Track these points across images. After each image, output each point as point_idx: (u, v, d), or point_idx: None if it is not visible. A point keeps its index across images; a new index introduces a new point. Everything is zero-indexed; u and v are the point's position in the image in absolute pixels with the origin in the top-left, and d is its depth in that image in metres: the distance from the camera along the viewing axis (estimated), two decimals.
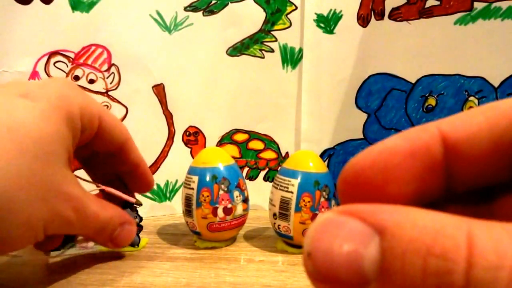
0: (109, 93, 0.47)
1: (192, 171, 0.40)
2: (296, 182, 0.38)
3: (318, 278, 0.10)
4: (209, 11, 0.50)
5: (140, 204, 0.39)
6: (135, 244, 0.40)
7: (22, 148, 0.24)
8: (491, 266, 0.08)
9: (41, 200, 0.26)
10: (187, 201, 0.39)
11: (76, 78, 0.45)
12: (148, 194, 0.50)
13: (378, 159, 0.12)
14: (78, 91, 0.31)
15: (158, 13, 0.48)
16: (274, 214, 0.39)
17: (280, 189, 0.39)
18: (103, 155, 0.35)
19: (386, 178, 0.12)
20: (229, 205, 0.39)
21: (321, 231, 0.10)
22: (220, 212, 0.39)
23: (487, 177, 0.12)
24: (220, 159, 0.40)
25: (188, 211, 0.40)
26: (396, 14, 0.47)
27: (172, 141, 0.51)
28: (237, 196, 0.39)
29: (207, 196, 0.38)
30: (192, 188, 0.39)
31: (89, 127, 0.31)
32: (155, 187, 0.51)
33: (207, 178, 0.39)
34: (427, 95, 0.48)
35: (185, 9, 0.49)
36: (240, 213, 0.40)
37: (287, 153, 0.54)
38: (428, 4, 0.46)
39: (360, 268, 0.09)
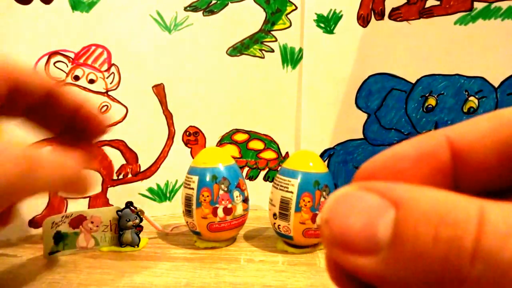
0: (109, 93, 0.47)
1: (192, 171, 0.40)
2: (296, 182, 0.38)
3: (333, 243, 0.11)
4: (209, 11, 0.50)
5: (143, 213, 0.40)
6: (135, 244, 0.40)
7: None
8: (500, 235, 0.08)
9: None
10: (187, 201, 0.39)
11: (76, 78, 0.45)
12: (148, 194, 0.50)
13: (388, 163, 0.13)
14: None
15: (158, 13, 0.48)
16: (274, 214, 0.39)
17: (280, 189, 0.39)
18: (37, 109, 0.30)
19: (396, 181, 0.13)
20: (229, 205, 0.39)
21: (340, 201, 0.11)
22: (220, 212, 0.39)
23: (493, 181, 0.12)
24: (220, 159, 0.40)
25: (188, 211, 0.40)
26: (396, 14, 0.47)
27: (172, 141, 0.51)
28: (237, 196, 0.39)
29: (207, 196, 0.38)
30: (192, 188, 0.39)
31: None
32: (155, 187, 0.51)
33: (207, 178, 0.39)
34: (427, 95, 0.48)
35: (185, 9, 0.49)
36: (240, 213, 0.40)
37: (287, 153, 0.54)
38: (428, 4, 0.46)
39: (374, 235, 0.10)
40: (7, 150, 0.20)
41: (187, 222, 0.41)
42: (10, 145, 0.20)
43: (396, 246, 0.09)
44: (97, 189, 0.47)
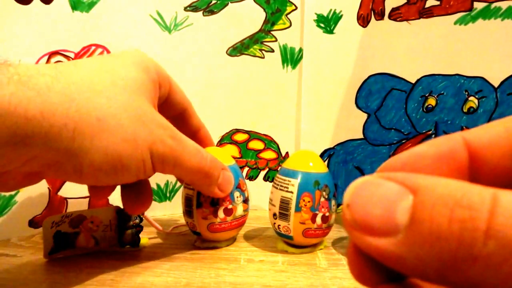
0: None
1: None
2: (296, 182, 0.38)
3: (354, 226, 0.11)
4: (209, 11, 0.50)
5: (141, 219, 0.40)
6: (135, 244, 0.40)
7: (113, 81, 0.28)
8: (510, 212, 0.09)
9: (140, 121, 0.28)
10: (187, 201, 0.39)
11: None
12: None
13: (408, 162, 0.14)
14: (149, 57, 0.35)
15: (158, 13, 0.48)
16: (274, 214, 0.39)
17: (280, 189, 0.39)
18: (169, 119, 0.36)
19: None
20: (230, 206, 0.39)
21: (361, 188, 0.12)
22: (220, 213, 0.39)
23: (508, 181, 0.13)
24: (220, 159, 0.40)
25: (188, 212, 0.40)
26: (396, 14, 0.47)
27: None
28: (237, 197, 0.39)
29: (208, 197, 0.38)
30: (192, 189, 0.39)
31: (163, 84, 0.35)
32: (155, 187, 0.51)
33: None
34: (427, 95, 0.48)
35: (185, 9, 0.49)
36: (241, 214, 0.40)
37: (287, 153, 0.54)
38: (428, 4, 0.46)
39: (393, 218, 0.11)
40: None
41: (187, 222, 0.41)
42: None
43: (414, 227, 0.10)
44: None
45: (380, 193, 0.11)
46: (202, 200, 0.38)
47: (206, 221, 0.39)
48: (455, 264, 0.09)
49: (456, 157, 0.13)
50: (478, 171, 0.13)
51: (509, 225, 0.09)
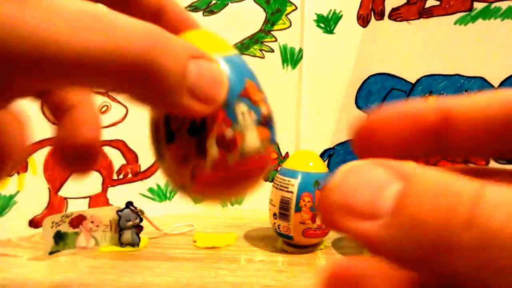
0: (109, 93, 0.47)
1: None
2: (296, 182, 0.38)
3: (339, 208, 0.11)
4: (209, 11, 0.50)
5: (143, 213, 0.40)
6: (135, 244, 0.40)
7: None
8: (493, 204, 0.09)
9: None
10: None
11: None
12: (148, 194, 0.50)
13: (379, 116, 0.14)
14: None
15: None
16: (274, 214, 0.39)
17: (280, 189, 0.39)
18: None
19: (383, 129, 0.14)
20: (229, 132, 0.19)
21: (352, 170, 0.12)
22: (212, 149, 0.19)
23: (475, 153, 0.14)
24: (208, 47, 0.19)
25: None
26: (396, 14, 0.47)
27: None
28: (242, 114, 0.20)
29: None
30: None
31: None
32: (155, 187, 0.51)
33: None
34: (427, 95, 0.48)
35: (185, 9, 0.49)
36: (257, 147, 0.20)
37: (287, 153, 0.54)
38: (428, 4, 0.46)
39: (378, 202, 0.11)
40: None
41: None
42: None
43: (399, 213, 0.10)
44: (97, 189, 0.47)
45: (370, 177, 0.11)
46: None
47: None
48: (435, 251, 0.10)
49: (425, 117, 0.13)
50: (447, 138, 0.13)
51: (490, 216, 0.09)
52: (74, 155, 0.19)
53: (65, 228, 0.38)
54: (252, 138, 0.19)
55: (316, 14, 0.49)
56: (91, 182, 0.47)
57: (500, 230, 0.09)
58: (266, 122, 0.20)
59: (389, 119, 0.14)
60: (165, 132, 0.20)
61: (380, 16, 0.48)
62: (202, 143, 0.19)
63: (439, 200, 0.10)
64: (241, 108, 0.19)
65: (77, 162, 0.19)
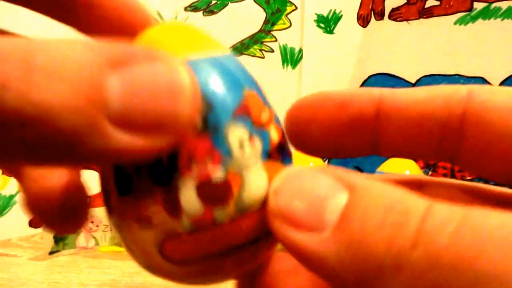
0: None
1: None
2: None
3: (278, 216, 0.10)
4: (209, 11, 0.50)
5: None
6: None
7: None
8: (441, 222, 0.09)
9: None
10: None
11: None
12: None
13: (315, 100, 0.13)
14: None
15: (158, 13, 0.48)
16: None
17: None
18: None
19: (312, 117, 0.13)
20: (217, 175, 0.11)
21: (293, 175, 0.11)
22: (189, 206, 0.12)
23: (410, 148, 0.13)
24: (181, 46, 0.12)
25: None
26: (396, 14, 0.47)
27: None
28: (241, 141, 0.12)
29: None
30: None
31: None
32: None
33: None
34: None
35: (185, 9, 0.49)
36: (261, 195, 0.12)
37: None
38: (428, 4, 0.46)
39: (321, 213, 0.10)
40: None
41: None
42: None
43: (342, 227, 0.09)
44: (97, 189, 0.47)
45: (314, 185, 0.10)
46: None
47: None
48: (378, 272, 0.09)
49: (360, 109, 0.12)
50: (382, 130, 0.12)
51: (437, 233, 0.08)
52: (48, 211, 0.14)
53: None
54: (256, 181, 0.11)
55: (316, 14, 0.49)
56: (91, 182, 0.47)
57: (445, 250, 0.08)
58: (278, 154, 0.12)
59: (323, 108, 0.13)
60: (116, 179, 0.12)
61: (380, 16, 0.48)
62: (174, 194, 0.11)
63: (386, 216, 0.09)
64: (238, 134, 0.11)
65: (55, 220, 0.14)
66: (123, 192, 0.12)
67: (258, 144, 0.12)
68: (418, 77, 0.48)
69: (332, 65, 0.50)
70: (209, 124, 0.11)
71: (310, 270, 0.10)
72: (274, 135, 0.12)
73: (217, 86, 0.11)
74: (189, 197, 0.11)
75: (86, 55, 0.08)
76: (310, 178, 0.10)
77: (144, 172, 0.11)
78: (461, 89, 0.12)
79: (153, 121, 0.09)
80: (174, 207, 0.11)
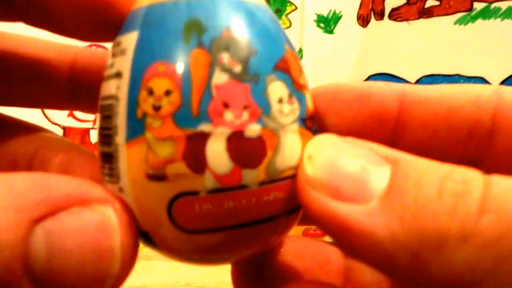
0: None
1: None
2: None
3: (315, 185, 0.09)
4: None
5: None
6: None
7: None
8: (506, 188, 0.08)
9: None
10: None
11: None
12: None
13: (331, 91, 0.12)
14: None
15: None
16: None
17: None
18: None
19: (330, 107, 0.12)
20: (254, 129, 0.10)
21: (329, 141, 0.10)
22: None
23: (433, 145, 0.12)
24: None
25: None
26: (396, 14, 0.47)
27: None
28: (280, 100, 0.10)
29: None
30: None
31: None
32: None
33: None
34: None
35: None
36: (294, 164, 0.11)
37: None
38: (428, 4, 0.46)
39: (366, 182, 0.09)
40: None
41: None
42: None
43: (392, 197, 0.08)
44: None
45: (352, 155, 0.09)
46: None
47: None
48: (439, 243, 0.08)
49: (383, 102, 0.12)
50: (404, 124, 0.12)
51: (505, 199, 0.08)
52: None
53: None
54: (292, 146, 0.10)
55: (316, 14, 0.49)
56: None
57: None
58: (312, 123, 0.11)
59: (341, 99, 0.12)
60: (127, 110, 0.10)
61: (380, 16, 0.48)
62: (199, 143, 0.09)
63: (443, 185, 0.08)
64: (278, 89, 0.10)
65: None
66: (134, 133, 0.10)
67: (296, 106, 0.10)
68: (418, 77, 0.48)
69: (332, 65, 0.50)
70: (250, 70, 0.10)
71: (351, 247, 0.09)
72: (310, 102, 0.11)
73: (259, 30, 0.10)
74: (217, 148, 0.09)
75: (7, 217, 0.07)
76: (348, 147, 0.09)
77: (166, 113, 0.09)
78: (487, 88, 0.11)
79: (76, 282, 0.08)
80: (197, 158, 0.09)
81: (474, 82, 0.46)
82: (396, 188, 0.08)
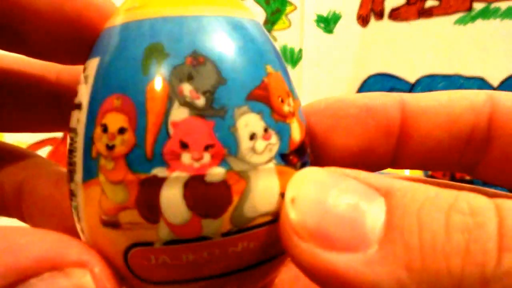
0: None
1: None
2: None
3: (302, 233, 0.08)
4: None
5: None
6: None
7: None
8: None
9: None
10: None
11: None
12: None
13: (332, 106, 0.11)
14: None
15: None
16: None
17: None
18: None
19: (336, 124, 0.11)
20: (216, 173, 0.09)
21: (312, 178, 0.08)
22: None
23: (433, 154, 0.11)
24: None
25: None
26: (396, 14, 0.47)
27: None
28: (252, 136, 0.09)
29: None
30: None
31: None
32: None
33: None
34: None
35: None
36: (268, 209, 0.09)
37: None
38: (427, 4, 0.46)
39: (361, 225, 0.07)
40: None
41: None
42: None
43: (394, 237, 0.07)
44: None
45: (342, 188, 0.08)
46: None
47: None
48: None
49: (387, 114, 0.11)
50: (408, 136, 0.11)
51: None
52: None
53: None
54: (264, 190, 0.09)
55: (316, 14, 0.49)
56: None
57: None
58: (297, 157, 0.10)
59: (347, 114, 0.11)
60: (84, 156, 0.09)
61: (379, 16, 0.48)
62: (153, 189, 0.08)
63: (451, 218, 0.07)
64: (250, 123, 0.09)
65: None
66: (88, 174, 0.09)
67: (274, 141, 0.09)
68: (418, 77, 0.48)
69: (332, 65, 0.50)
70: (215, 103, 0.08)
71: None
72: (296, 133, 0.09)
73: (232, 53, 0.09)
74: (172, 195, 0.08)
75: None
76: (334, 182, 0.08)
77: (119, 154, 0.08)
78: (481, 93, 0.11)
79: None
80: (150, 206, 0.08)
81: (473, 82, 0.46)
82: (396, 226, 0.07)
